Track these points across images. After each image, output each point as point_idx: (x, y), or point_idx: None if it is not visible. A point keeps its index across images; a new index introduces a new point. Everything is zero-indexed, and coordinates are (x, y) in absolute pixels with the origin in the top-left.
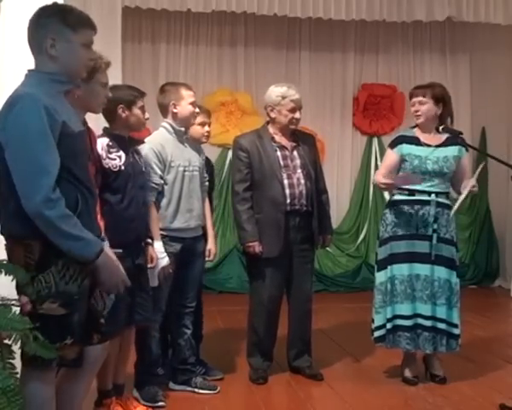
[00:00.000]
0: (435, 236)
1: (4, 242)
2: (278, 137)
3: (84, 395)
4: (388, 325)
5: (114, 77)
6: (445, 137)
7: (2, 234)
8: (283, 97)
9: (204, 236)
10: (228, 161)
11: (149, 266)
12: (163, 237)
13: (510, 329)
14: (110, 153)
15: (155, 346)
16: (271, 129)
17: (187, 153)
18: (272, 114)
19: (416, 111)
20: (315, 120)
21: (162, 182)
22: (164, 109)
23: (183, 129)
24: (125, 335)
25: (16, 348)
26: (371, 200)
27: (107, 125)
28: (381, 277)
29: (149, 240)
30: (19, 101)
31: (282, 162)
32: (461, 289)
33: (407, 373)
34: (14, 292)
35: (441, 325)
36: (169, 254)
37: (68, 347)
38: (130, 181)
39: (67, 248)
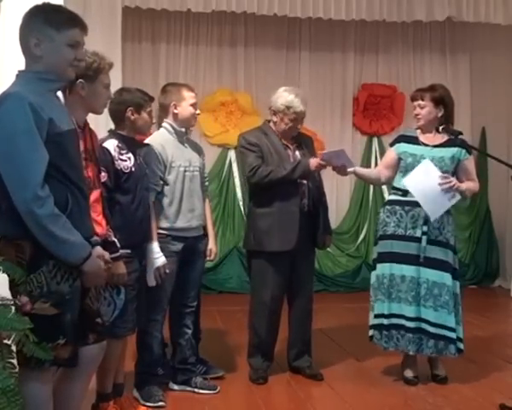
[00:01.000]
0: (424, 238)
1: None
2: (281, 137)
3: (81, 395)
4: (375, 321)
5: (114, 77)
6: (446, 138)
7: None
8: (288, 107)
9: (205, 235)
10: (228, 162)
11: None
12: (166, 237)
13: (510, 329)
14: (121, 154)
15: (157, 346)
16: (274, 128)
17: (187, 153)
18: (274, 118)
19: (417, 114)
20: (315, 120)
21: (162, 182)
22: (165, 110)
23: (183, 129)
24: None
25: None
26: (371, 200)
27: (105, 126)
28: (372, 275)
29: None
30: (4, 100)
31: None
32: (461, 289)
33: (407, 373)
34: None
35: (428, 328)
36: (171, 253)
37: (61, 347)
38: (139, 182)
39: (53, 250)
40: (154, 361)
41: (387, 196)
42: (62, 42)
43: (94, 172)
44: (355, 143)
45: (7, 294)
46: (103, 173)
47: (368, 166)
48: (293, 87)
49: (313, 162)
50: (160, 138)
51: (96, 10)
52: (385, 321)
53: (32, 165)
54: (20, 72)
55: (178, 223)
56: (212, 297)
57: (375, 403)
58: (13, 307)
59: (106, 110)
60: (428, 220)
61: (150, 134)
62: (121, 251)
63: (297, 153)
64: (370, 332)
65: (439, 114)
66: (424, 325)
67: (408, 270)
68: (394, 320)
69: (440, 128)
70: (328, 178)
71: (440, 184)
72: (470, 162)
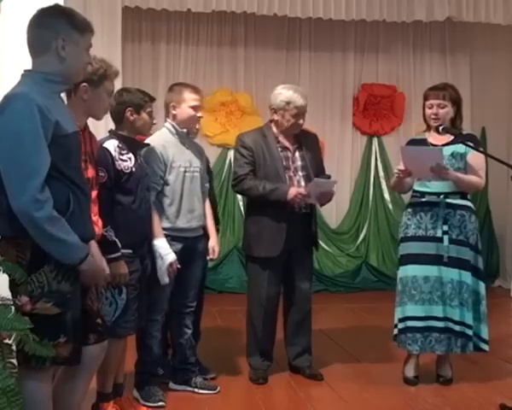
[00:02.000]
0: (446, 237)
1: None
2: (281, 138)
3: (81, 395)
4: (400, 325)
5: None
6: (452, 136)
7: None
8: (288, 103)
9: (205, 236)
10: (228, 161)
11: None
12: (166, 237)
13: (510, 329)
14: (121, 154)
15: (156, 346)
16: (274, 129)
17: (188, 154)
18: (275, 117)
19: (435, 114)
20: (315, 120)
21: (162, 182)
22: (166, 109)
23: (185, 130)
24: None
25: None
26: (371, 200)
27: (105, 126)
28: (397, 278)
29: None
30: (12, 100)
31: (284, 163)
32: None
33: (407, 373)
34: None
35: (456, 327)
36: None
37: (62, 345)
38: (140, 183)
39: (51, 251)
40: (153, 361)
41: (408, 200)
42: (83, 46)
43: (93, 174)
44: (355, 143)
45: (7, 294)
46: (103, 174)
47: (368, 166)
48: (291, 84)
49: (292, 192)
50: (162, 138)
51: (96, 10)
52: (409, 323)
53: (35, 169)
54: (25, 71)
55: (178, 223)
56: (212, 297)
57: (374, 403)
58: (13, 308)
59: None
60: (448, 219)
61: (151, 134)
62: (123, 251)
63: (297, 154)
64: (395, 331)
65: (453, 115)
66: (451, 325)
67: (431, 270)
68: (419, 323)
69: (440, 128)
70: None
71: (432, 168)
72: (474, 158)
